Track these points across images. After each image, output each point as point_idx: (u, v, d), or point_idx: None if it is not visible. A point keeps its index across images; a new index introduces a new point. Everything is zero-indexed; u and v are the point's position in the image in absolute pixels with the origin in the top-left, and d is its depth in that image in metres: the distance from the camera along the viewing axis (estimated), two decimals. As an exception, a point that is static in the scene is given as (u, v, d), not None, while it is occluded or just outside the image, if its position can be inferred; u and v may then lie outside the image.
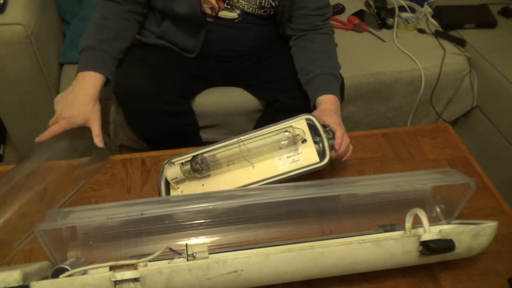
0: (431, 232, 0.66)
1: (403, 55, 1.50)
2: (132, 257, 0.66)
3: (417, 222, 0.70)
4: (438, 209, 0.82)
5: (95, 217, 0.67)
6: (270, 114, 1.23)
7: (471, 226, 0.69)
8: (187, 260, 0.62)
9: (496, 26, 1.63)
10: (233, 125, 1.35)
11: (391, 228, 0.76)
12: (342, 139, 0.85)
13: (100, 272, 0.62)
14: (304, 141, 0.84)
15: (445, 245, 0.66)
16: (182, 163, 0.83)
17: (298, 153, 0.83)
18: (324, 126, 0.86)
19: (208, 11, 1.07)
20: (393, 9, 1.65)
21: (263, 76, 1.22)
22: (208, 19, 1.09)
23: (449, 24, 1.62)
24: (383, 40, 1.56)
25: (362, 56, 1.47)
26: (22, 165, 0.84)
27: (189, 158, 0.83)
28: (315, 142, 0.84)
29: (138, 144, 1.28)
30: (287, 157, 0.83)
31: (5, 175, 0.81)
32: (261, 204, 0.75)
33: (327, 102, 0.96)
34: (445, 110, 1.61)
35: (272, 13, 1.11)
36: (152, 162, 0.92)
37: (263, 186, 0.81)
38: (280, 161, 0.83)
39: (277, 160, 0.83)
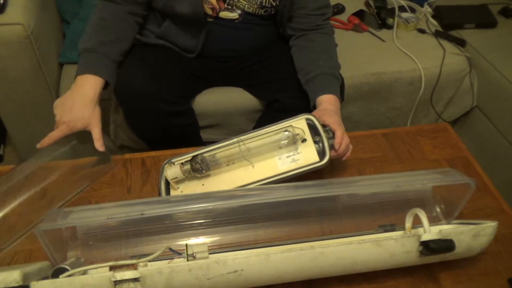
0: (431, 232, 0.66)
1: (403, 55, 1.50)
2: (132, 257, 0.66)
3: (417, 222, 0.70)
4: (438, 209, 0.82)
5: (95, 217, 0.67)
6: (270, 114, 1.23)
7: (471, 226, 0.69)
8: (187, 260, 0.62)
9: (496, 26, 1.63)
10: (233, 125, 1.35)
11: (391, 228, 0.76)
12: (342, 139, 0.85)
13: (100, 272, 0.62)
14: (304, 140, 0.84)
15: (445, 245, 0.66)
16: (182, 163, 0.83)
17: (298, 153, 0.83)
18: (324, 126, 0.86)
19: (209, 11, 1.07)
20: (393, 9, 1.65)
21: (263, 76, 1.22)
22: (209, 19, 1.09)
23: (449, 24, 1.62)
24: (383, 40, 1.56)
25: (362, 56, 1.47)
26: (23, 165, 0.84)
27: (189, 158, 0.83)
28: (315, 142, 0.84)
29: (138, 144, 1.28)
30: (287, 157, 0.83)
31: (5, 175, 0.81)
32: (261, 204, 0.75)
33: (327, 102, 0.96)
34: (445, 110, 1.61)
35: (272, 13, 1.11)
36: (152, 162, 0.92)
37: (263, 186, 0.81)
38: (280, 161, 0.83)
39: (277, 159, 0.83)
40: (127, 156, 0.93)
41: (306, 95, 1.03)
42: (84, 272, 0.63)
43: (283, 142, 0.83)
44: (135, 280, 0.59)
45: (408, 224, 0.71)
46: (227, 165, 0.83)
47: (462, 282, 0.74)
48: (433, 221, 0.80)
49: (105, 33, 0.99)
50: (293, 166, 0.82)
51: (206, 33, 1.10)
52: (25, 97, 1.23)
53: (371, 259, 0.67)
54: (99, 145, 0.89)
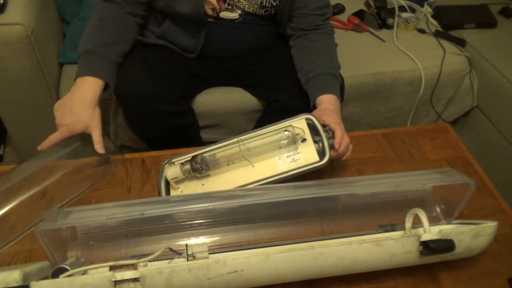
0: (431, 232, 0.66)
1: (403, 55, 1.50)
2: (132, 257, 0.66)
3: (417, 222, 0.70)
4: (438, 209, 0.82)
5: (95, 217, 0.67)
6: (270, 114, 1.23)
7: (471, 226, 0.69)
8: (187, 260, 0.62)
9: (496, 26, 1.63)
10: (233, 125, 1.35)
11: (391, 228, 0.76)
12: (342, 139, 0.85)
13: (100, 272, 0.62)
14: (303, 140, 0.84)
15: (445, 245, 0.66)
16: (182, 163, 0.82)
17: (298, 153, 0.83)
18: (324, 126, 0.86)
19: (210, 11, 1.07)
20: (393, 9, 1.65)
21: (263, 76, 1.22)
22: (209, 19, 1.09)
23: (449, 24, 1.63)
24: (383, 40, 1.56)
25: (362, 56, 1.47)
26: (23, 166, 0.83)
27: (189, 158, 0.83)
28: (315, 142, 0.84)
29: (138, 144, 1.28)
30: (287, 157, 0.83)
31: (5, 175, 0.81)
32: (261, 204, 0.75)
33: (327, 102, 0.96)
34: (445, 110, 1.61)
35: (272, 12, 1.11)
36: (152, 162, 0.92)
37: (263, 186, 0.81)
38: (280, 161, 0.83)
39: (277, 159, 0.83)
40: (127, 156, 0.93)
41: (306, 95, 1.03)
42: (84, 272, 0.63)
43: (283, 142, 0.83)
44: (135, 280, 0.59)
45: (408, 224, 0.71)
46: (227, 165, 0.83)
47: (462, 282, 0.74)
48: (433, 221, 0.80)
49: (105, 34, 0.98)
50: (293, 166, 0.82)
51: (206, 33, 1.10)
52: (25, 97, 1.23)
53: (371, 259, 0.67)
54: (99, 147, 0.88)
